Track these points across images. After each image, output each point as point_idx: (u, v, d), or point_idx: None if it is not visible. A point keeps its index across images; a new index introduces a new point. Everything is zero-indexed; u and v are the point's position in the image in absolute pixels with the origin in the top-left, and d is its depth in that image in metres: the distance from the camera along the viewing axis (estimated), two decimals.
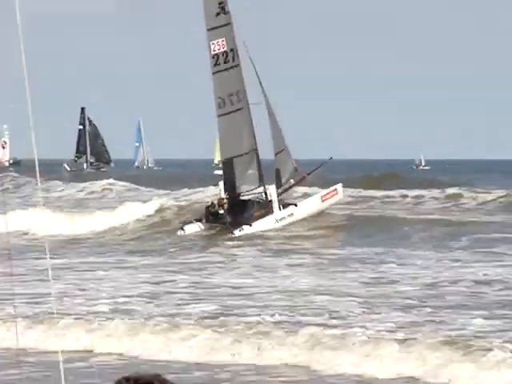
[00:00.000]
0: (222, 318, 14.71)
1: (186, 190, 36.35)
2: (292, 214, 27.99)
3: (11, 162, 76.60)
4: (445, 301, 16.22)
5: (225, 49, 27.70)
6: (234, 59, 28.06)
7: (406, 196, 34.15)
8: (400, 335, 13.25)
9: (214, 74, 27.97)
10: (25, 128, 3.59)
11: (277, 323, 14.39)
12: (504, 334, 13.19)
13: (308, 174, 30.12)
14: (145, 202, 33.88)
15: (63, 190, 43.88)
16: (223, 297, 17.07)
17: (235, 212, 27.68)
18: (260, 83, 28.22)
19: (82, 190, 43.90)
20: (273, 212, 27.40)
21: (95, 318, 15.22)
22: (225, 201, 27.60)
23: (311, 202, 29.25)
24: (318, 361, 12.58)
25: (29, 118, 3.53)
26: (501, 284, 17.43)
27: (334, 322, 14.44)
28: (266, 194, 28.16)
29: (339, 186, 29.73)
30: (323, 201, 29.02)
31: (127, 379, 4.15)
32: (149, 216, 31.83)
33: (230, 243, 25.62)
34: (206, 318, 15.07)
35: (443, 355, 12.10)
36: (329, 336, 13.15)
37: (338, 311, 15.33)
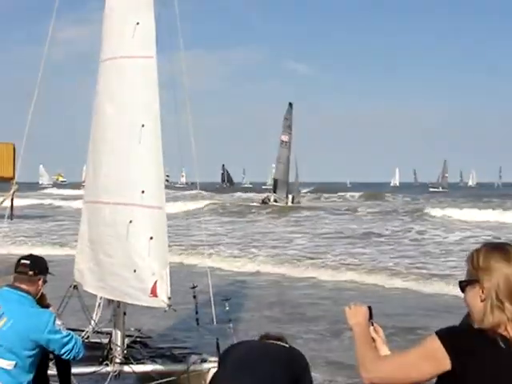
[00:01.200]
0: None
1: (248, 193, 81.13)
2: (294, 204, 58.85)
3: (188, 183, 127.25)
4: (340, 235, 32.79)
5: (286, 140, 61.70)
6: (288, 145, 61.57)
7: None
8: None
9: (280, 147, 61.54)
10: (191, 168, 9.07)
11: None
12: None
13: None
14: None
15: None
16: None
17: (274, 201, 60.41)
18: (296, 163, 62.18)
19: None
20: (287, 203, 59.19)
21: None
22: (271, 197, 61.27)
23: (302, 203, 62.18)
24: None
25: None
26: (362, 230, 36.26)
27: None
28: (287, 197, 60.69)
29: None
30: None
31: (267, 335, 5.56)
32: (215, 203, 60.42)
33: (269, 213, 50.89)
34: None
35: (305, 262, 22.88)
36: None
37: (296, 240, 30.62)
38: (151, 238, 7.32)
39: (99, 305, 8.33)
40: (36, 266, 5.59)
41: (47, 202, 69.47)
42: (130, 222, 7.41)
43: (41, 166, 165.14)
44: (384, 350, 3.13)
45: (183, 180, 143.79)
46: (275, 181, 62.87)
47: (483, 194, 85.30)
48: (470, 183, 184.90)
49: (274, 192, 61.90)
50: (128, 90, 7.57)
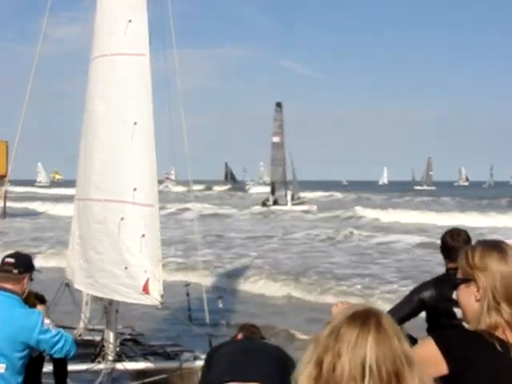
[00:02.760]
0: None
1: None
2: (295, 201, 60.19)
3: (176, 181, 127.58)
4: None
5: (278, 141, 61.23)
6: (281, 145, 61.29)
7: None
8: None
9: (272, 149, 61.17)
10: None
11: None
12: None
13: (305, 200, 63.84)
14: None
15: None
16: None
17: (274, 203, 60.69)
18: (291, 161, 61.66)
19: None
20: (287, 203, 59.87)
21: None
22: (270, 198, 61.52)
23: (303, 206, 59.94)
24: None
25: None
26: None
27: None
28: (286, 196, 60.80)
29: (315, 206, 60.04)
30: (308, 208, 58.68)
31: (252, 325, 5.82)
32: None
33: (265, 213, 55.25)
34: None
35: None
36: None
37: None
38: (143, 236, 7.37)
39: (86, 302, 8.32)
40: (21, 264, 5.45)
41: None
42: (122, 219, 7.45)
43: (39, 163, 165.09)
44: None
45: (172, 178, 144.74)
46: (273, 183, 63.26)
47: (456, 194, 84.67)
48: (460, 182, 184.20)
49: (272, 194, 62.11)
50: (120, 87, 7.58)
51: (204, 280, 18.51)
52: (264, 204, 61.37)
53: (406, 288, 15.22)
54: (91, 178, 7.79)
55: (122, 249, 7.42)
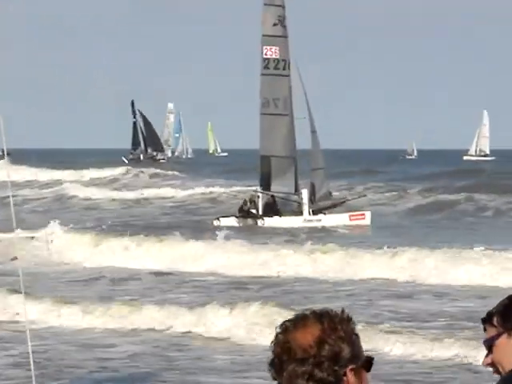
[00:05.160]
0: None
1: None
2: (320, 220, 29.76)
3: None
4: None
5: (277, 57, 29.98)
6: (284, 68, 30.23)
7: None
8: None
9: (262, 75, 30.25)
10: None
11: None
12: None
13: (348, 200, 33.20)
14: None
15: None
16: None
17: (267, 210, 29.56)
18: (306, 99, 29.98)
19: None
20: (302, 214, 29.26)
21: None
22: (257, 197, 29.66)
23: (340, 217, 30.39)
24: None
25: None
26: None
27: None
28: (299, 197, 30.08)
29: (368, 213, 30.71)
30: (350, 220, 30.24)
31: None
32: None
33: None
34: None
35: None
36: None
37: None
38: None
39: None
40: None
41: None
42: None
43: None
44: None
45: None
46: (265, 161, 30.21)
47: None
48: (472, 152, 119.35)
49: (266, 189, 30.08)
50: None
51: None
52: (244, 211, 30.06)
53: None
54: None
55: None
